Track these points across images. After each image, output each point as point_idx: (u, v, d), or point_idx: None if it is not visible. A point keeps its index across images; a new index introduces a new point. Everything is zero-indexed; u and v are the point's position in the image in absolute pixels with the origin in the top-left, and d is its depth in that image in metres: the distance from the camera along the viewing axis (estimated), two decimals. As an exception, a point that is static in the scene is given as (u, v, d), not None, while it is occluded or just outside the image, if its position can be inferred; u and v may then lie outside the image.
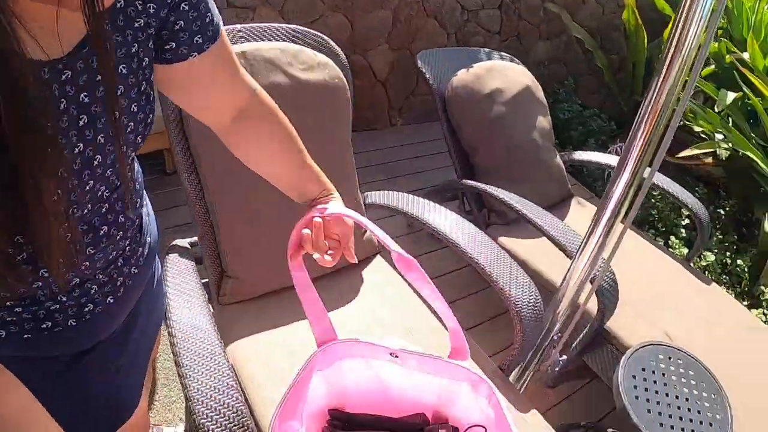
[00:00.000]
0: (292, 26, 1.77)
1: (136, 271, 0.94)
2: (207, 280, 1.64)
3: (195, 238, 1.65)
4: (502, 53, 2.76)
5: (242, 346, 1.47)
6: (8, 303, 0.76)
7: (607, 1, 4.55)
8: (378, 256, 1.83)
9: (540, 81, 2.71)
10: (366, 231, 1.80)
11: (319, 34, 1.79)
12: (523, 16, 4.20)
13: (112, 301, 0.89)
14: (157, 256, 1.09)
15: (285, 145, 1.05)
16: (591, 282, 1.56)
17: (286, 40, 1.72)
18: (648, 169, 1.29)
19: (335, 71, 1.71)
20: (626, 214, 1.38)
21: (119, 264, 0.89)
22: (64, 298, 0.81)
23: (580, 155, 2.75)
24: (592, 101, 4.50)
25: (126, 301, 0.94)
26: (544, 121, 2.62)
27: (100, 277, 0.85)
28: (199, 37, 0.81)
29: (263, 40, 1.69)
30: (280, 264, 1.63)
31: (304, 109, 1.62)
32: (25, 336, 0.80)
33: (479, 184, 2.27)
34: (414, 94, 3.94)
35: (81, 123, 0.67)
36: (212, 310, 1.61)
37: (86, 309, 0.84)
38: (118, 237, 0.84)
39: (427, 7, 3.70)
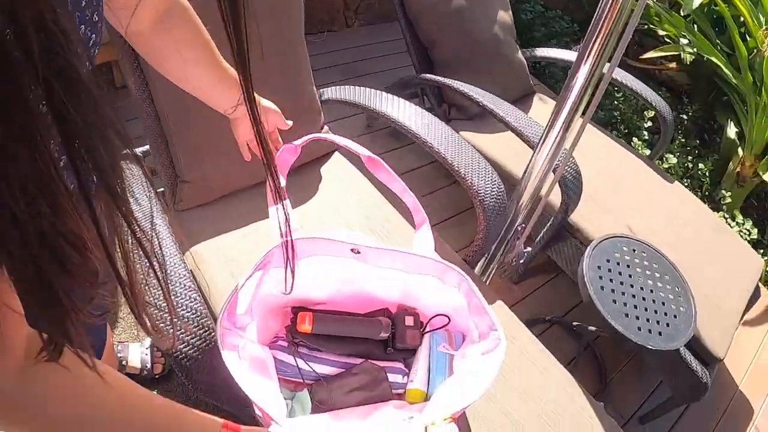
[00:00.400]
0: None
1: None
2: (163, 189, 1.58)
3: (147, 147, 1.57)
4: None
5: (201, 251, 1.42)
6: None
7: None
8: (336, 153, 1.78)
9: None
10: (323, 127, 1.73)
11: None
12: None
13: None
14: None
15: (207, 52, 0.96)
16: (553, 172, 1.53)
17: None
18: (608, 64, 1.25)
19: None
20: (586, 107, 1.34)
21: None
22: None
23: (543, 51, 2.67)
24: (556, 2, 4.35)
25: None
26: (505, 16, 2.52)
27: None
28: None
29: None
30: (234, 165, 1.57)
31: (255, 7, 1.51)
32: None
33: (439, 77, 2.20)
34: (369, -7, 3.77)
35: None
36: (167, 218, 1.57)
37: None
38: None
39: None
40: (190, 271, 1.32)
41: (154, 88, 1.44)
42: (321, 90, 1.80)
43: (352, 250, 1.04)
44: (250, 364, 0.91)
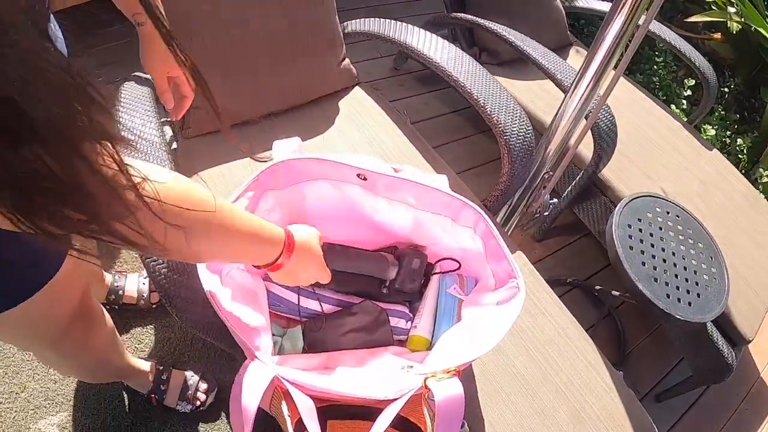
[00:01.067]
0: None
1: None
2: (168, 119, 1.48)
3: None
4: None
5: (204, 177, 1.34)
6: None
7: None
8: (357, 88, 1.66)
9: None
10: (343, 59, 1.61)
11: None
12: None
13: None
14: None
15: None
16: (586, 118, 1.41)
17: None
18: (644, 16, 1.12)
19: None
20: (620, 58, 1.21)
21: None
22: None
23: (582, 2, 2.50)
24: None
25: None
26: None
27: None
28: None
29: None
30: (247, 93, 1.47)
31: None
32: None
33: (471, 16, 2.06)
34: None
35: None
36: (176, 145, 1.48)
37: None
38: None
39: None
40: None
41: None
42: (345, 23, 1.68)
43: (358, 175, 0.93)
44: (235, 293, 0.82)
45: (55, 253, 0.91)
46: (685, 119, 2.98)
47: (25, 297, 0.87)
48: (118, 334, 1.28)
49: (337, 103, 1.60)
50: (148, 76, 1.50)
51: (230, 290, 0.81)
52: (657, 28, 2.26)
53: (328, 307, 0.99)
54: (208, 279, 0.77)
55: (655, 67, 3.32)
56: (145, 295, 1.62)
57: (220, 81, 1.42)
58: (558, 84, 1.68)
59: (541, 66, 1.73)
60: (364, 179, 0.93)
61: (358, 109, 1.59)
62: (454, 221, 0.96)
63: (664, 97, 3.18)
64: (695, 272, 1.47)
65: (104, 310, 1.20)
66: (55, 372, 1.49)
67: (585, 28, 3.37)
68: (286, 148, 0.93)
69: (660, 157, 2.03)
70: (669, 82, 3.26)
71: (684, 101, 3.19)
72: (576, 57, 2.45)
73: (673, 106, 3.10)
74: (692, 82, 3.20)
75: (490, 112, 1.37)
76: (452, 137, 2.50)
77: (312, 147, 1.44)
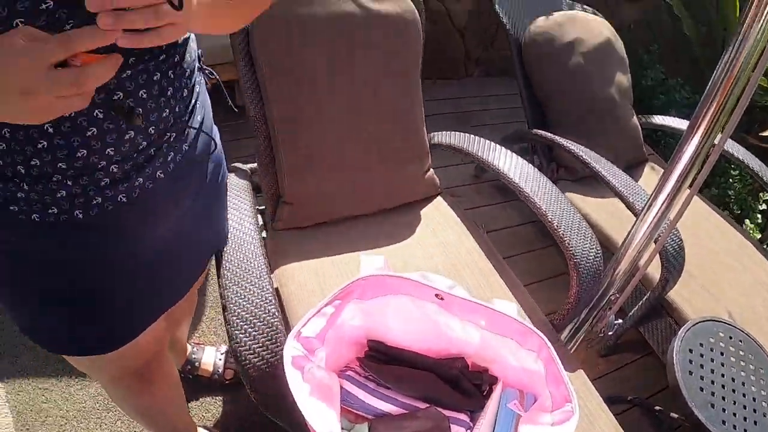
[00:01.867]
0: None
1: (186, 147, 0.90)
2: (264, 207, 1.64)
3: (255, 165, 1.64)
4: (585, 6, 2.61)
5: (289, 271, 1.46)
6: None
7: (701, -35, 4.23)
8: (439, 197, 1.78)
9: (624, 45, 2.56)
10: (428, 169, 1.75)
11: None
12: None
13: (162, 175, 0.85)
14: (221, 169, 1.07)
15: None
16: (655, 242, 1.47)
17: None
18: (719, 135, 1.19)
19: (407, 4, 1.64)
20: (694, 179, 1.28)
21: (169, 129, 0.85)
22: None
23: (659, 120, 2.59)
24: (677, 71, 4.22)
25: (177, 180, 0.90)
26: (623, 78, 2.47)
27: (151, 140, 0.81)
28: None
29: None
30: (337, 195, 1.61)
31: (374, 40, 1.57)
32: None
33: (549, 134, 2.17)
34: (493, 46, 3.80)
35: None
36: (265, 235, 1.62)
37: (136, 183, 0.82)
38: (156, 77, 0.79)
39: (512, -45, 3.54)
40: (276, 288, 1.35)
41: (269, 110, 1.51)
42: (432, 134, 1.82)
43: (436, 295, 1.04)
44: (313, 388, 0.91)
45: (141, 318, 1.03)
46: (759, 235, 2.95)
47: (97, 353, 0.99)
48: (183, 395, 1.39)
49: (419, 211, 1.72)
50: (246, 168, 1.67)
51: (309, 386, 0.91)
52: (729, 144, 2.31)
53: (394, 409, 1.07)
54: (293, 376, 0.87)
55: (731, 180, 3.31)
56: (219, 370, 1.74)
57: (315, 178, 1.56)
58: (629, 206, 1.75)
59: (613, 188, 1.81)
60: (441, 299, 1.04)
61: (438, 218, 1.70)
62: (519, 345, 1.04)
63: (739, 211, 3.16)
64: (754, 399, 1.46)
65: (175, 371, 1.31)
66: (124, 425, 1.61)
67: (662, 139, 3.43)
68: (372, 264, 1.05)
69: (729, 277, 2.03)
70: (744, 195, 3.24)
71: (759, 215, 3.16)
72: (650, 174, 2.52)
73: (747, 221, 3.07)
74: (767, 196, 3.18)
75: (563, 235, 1.45)
76: (524, 249, 2.58)
77: (392, 252, 1.56)
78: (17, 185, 0.75)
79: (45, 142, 0.72)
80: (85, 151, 0.75)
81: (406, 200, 1.72)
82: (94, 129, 0.74)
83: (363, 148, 1.61)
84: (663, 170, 2.49)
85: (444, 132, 1.83)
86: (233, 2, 0.81)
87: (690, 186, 1.30)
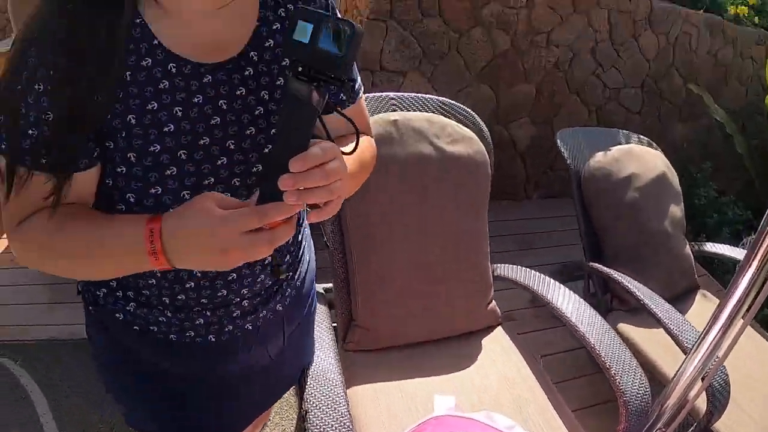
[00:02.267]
0: (441, 99, 1.90)
1: (298, 283, 1.08)
2: (336, 324, 1.76)
3: (330, 285, 1.77)
4: (641, 136, 2.75)
5: (359, 393, 1.56)
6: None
7: (750, 83, 4.39)
8: (499, 328, 1.88)
9: (677, 164, 2.68)
10: (491, 301, 1.85)
11: (466, 108, 1.90)
12: (665, 96, 4.15)
13: (280, 308, 1.03)
14: (312, 299, 1.22)
15: None
16: (702, 380, 1.52)
17: (434, 112, 1.85)
18: None
19: (479, 146, 1.81)
20: (748, 310, 1.34)
21: (288, 268, 1.02)
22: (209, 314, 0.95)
23: (711, 247, 2.66)
24: (730, 188, 4.29)
25: (288, 311, 1.07)
26: (676, 210, 2.57)
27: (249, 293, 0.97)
28: (343, 95, 0.97)
29: (413, 110, 1.83)
30: (405, 320, 1.73)
31: (446, 180, 1.73)
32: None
33: (605, 268, 2.26)
34: (552, 169, 3.97)
35: (212, 122, 0.83)
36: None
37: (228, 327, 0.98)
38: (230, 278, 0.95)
39: (570, 84, 3.77)
40: (349, 410, 1.45)
41: (348, 241, 1.67)
42: (495, 266, 1.94)
43: (500, 434, 1.13)
44: None
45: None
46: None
47: None
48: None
49: (479, 340, 1.81)
50: (321, 289, 1.81)
51: None
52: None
53: None
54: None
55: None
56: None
57: (385, 302, 1.69)
58: (678, 343, 1.81)
59: (663, 324, 1.88)
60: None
61: (498, 349, 1.79)
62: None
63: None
64: None
65: None
66: None
67: (714, 258, 3.44)
68: (444, 404, 1.16)
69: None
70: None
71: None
72: (702, 302, 2.55)
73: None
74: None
75: (614, 374, 1.53)
76: (577, 373, 2.62)
77: (455, 382, 1.64)
78: (161, 312, 0.94)
79: (192, 283, 0.91)
80: (225, 291, 0.93)
81: (469, 329, 1.82)
82: (235, 275, 0.92)
83: (430, 275, 1.74)
84: (713, 297, 2.56)
85: (506, 265, 1.95)
86: (359, 171, 0.98)
87: (743, 317, 1.35)
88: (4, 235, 3.37)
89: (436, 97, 1.89)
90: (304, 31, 0.68)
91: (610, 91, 3.94)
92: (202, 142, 0.82)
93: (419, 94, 1.88)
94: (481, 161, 1.81)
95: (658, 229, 2.47)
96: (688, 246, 2.59)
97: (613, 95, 3.96)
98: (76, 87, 0.72)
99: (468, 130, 1.84)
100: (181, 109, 0.81)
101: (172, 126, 0.81)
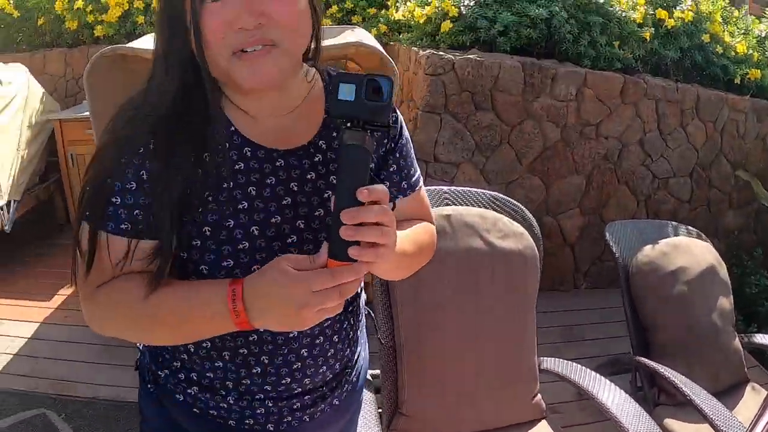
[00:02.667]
0: (493, 193, 1.98)
1: (354, 378, 1.12)
2: (381, 410, 1.80)
3: (377, 371, 1.82)
4: (689, 228, 2.77)
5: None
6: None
7: (800, 169, 4.34)
8: (544, 421, 1.88)
9: (728, 251, 2.68)
10: (536, 394, 1.87)
11: (516, 203, 1.98)
12: (714, 184, 4.15)
13: (337, 403, 1.07)
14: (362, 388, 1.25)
15: None
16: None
17: (486, 206, 1.93)
18: None
19: (528, 241, 1.88)
20: None
21: (347, 364, 1.06)
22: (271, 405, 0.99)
23: (761, 339, 2.62)
24: None
25: (342, 405, 1.10)
26: (725, 302, 2.55)
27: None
28: (405, 183, 1.05)
29: (465, 204, 1.91)
30: (451, 410, 1.76)
31: (497, 274, 1.80)
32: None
33: (651, 363, 2.25)
34: (601, 260, 3.97)
35: (284, 202, 0.92)
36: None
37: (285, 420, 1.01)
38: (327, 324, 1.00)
39: (619, 175, 3.81)
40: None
41: (398, 329, 1.73)
42: (541, 359, 1.96)
43: None
44: None
45: None
46: None
47: None
48: None
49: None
50: (368, 376, 1.86)
51: None
52: None
53: None
54: None
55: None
56: None
57: (432, 393, 1.72)
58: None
59: (711, 421, 1.86)
60: None
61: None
62: None
63: None
64: None
65: None
66: None
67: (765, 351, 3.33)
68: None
69: None
70: None
71: None
72: (751, 395, 2.47)
73: None
74: None
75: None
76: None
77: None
78: (223, 398, 0.98)
79: (259, 369, 0.96)
80: (288, 379, 0.98)
81: (514, 422, 1.83)
82: (299, 363, 0.97)
83: (478, 366, 1.78)
84: (762, 390, 2.49)
85: (552, 358, 1.97)
86: (416, 252, 1.04)
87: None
88: (60, 291, 3.62)
89: (488, 192, 1.98)
90: (348, 91, 0.78)
91: (659, 180, 3.97)
92: (273, 220, 0.90)
93: (471, 189, 1.97)
94: (531, 256, 1.87)
95: (707, 323, 2.45)
96: (737, 339, 2.55)
97: (662, 185, 3.99)
98: (169, 166, 0.83)
99: (518, 225, 1.91)
100: (254, 188, 0.90)
101: (246, 204, 0.89)
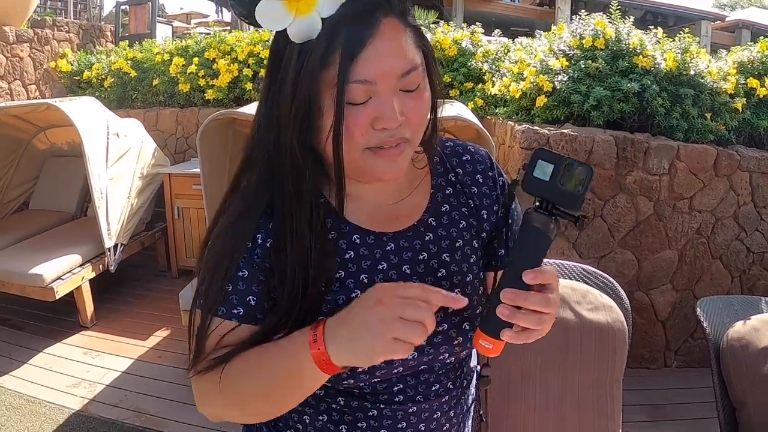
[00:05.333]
0: (584, 266, 2.00)
1: None
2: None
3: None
4: (785, 294, 2.66)
5: None
6: None
7: None
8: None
9: None
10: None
11: (608, 277, 1.99)
12: None
13: None
14: None
15: None
16: None
17: (577, 279, 1.95)
18: None
19: (618, 315, 1.88)
20: None
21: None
22: None
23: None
24: None
25: None
26: None
27: None
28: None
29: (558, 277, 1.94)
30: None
31: (585, 345, 1.80)
32: None
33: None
34: (693, 337, 3.84)
35: (439, 274, 0.95)
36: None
37: None
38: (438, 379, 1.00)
39: (712, 249, 3.71)
40: None
41: (484, 394, 1.75)
42: (627, 436, 1.93)
43: None
44: None
45: None
46: None
47: None
48: None
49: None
50: None
51: None
52: None
53: None
54: None
55: None
56: None
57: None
58: None
59: None
60: None
61: None
62: None
63: None
64: None
65: None
66: None
67: None
68: None
69: None
70: None
71: None
72: None
73: None
74: None
75: None
76: None
77: None
78: None
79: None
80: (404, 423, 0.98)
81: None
82: (414, 408, 0.98)
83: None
84: None
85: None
86: None
87: None
88: (156, 333, 3.83)
89: (580, 265, 2.00)
90: (544, 170, 0.77)
91: (753, 255, 3.83)
92: None
93: (563, 261, 2.00)
94: (619, 329, 1.86)
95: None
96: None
97: (757, 259, 3.84)
98: (280, 259, 0.87)
99: (607, 297, 1.91)
100: (366, 276, 0.92)
101: (359, 292, 0.90)
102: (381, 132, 0.83)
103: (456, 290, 0.96)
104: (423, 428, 0.99)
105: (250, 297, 0.89)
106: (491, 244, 1.06)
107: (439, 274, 0.96)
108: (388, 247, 0.94)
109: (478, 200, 1.04)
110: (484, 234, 1.04)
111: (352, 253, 0.93)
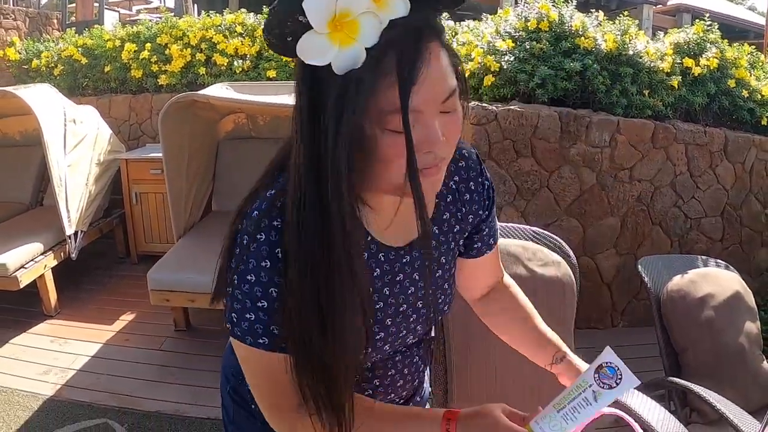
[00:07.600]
0: (534, 228, 2.18)
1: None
2: None
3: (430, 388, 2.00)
4: (718, 261, 2.91)
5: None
6: None
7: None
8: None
9: (763, 287, 2.77)
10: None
11: (555, 237, 2.17)
12: (745, 222, 4.28)
13: None
14: None
15: (524, 323, 1.34)
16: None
17: (528, 240, 2.13)
18: None
19: (566, 269, 2.06)
20: None
21: None
22: None
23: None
24: None
25: None
26: (752, 327, 2.67)
27: None
28: (491, 239, 1.20)
29: (510, 238, 2.11)
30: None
31: (537, 298, 1.96)
32: None
33: (684, 381, 2.38)
34: (637, 298, 4.09)
35: (409, 291, 1.03)
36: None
37: None
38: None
39: (652, 216, 3.97)
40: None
41: (449, 347, 1.90)
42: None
43: None
44: None
45: None
46: None
47: None
48: None
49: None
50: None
51: None
52: None
53: None
54: None
55: None
56: None
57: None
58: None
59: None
60: None
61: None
62: None
63: None
64: None
65: None
66: None
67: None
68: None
69: None
70: None
71: None
72: None
73: None
74: None
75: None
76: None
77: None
78: None
79: None
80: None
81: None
82: (399, 356, 1.12)
83: (518, 389, 1.93)
84: None
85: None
86: None
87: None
88: (121, 317, 3.87)
89: (531, 227, 2.18)
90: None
91: (691, 221, 4.11)
92: (401, 309, 1.02)
93: (515, 224, 2.17)
94: (568, 283, 2.04)
95: (735, 346, 2.58)
96: (765, 362, 2.67)
97: (694, 225, 4.13)
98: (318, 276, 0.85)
99: (557, 255, 2.09)
100: (388, 288, 0.99)
101: (381, 304, 0.98)
102: (426, 155, 0.83)
103: (445, 285, 1.11)
104: (406, 371, 1.13)
105: (273, 327, 0.91)
106: (470, 237, 1.17)
107: (437, 274, 1.08)
108: (404, 260, 1.01)
109: (468, 206, 1.11)
110: (465, 234, 1.15)
111: (378, 271, 0.98)
